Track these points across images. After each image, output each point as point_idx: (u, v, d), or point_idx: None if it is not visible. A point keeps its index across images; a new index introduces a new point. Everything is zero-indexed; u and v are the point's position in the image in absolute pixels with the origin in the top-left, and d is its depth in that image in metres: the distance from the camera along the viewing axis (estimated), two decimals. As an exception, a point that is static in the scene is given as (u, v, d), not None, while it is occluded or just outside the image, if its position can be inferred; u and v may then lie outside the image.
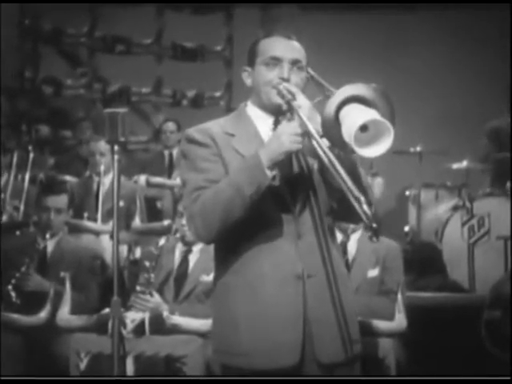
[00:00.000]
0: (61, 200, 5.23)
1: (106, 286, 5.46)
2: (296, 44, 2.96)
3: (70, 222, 5.59)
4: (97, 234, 6.09)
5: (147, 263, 4.55)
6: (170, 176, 7.50)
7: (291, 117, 2.81)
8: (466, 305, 5.76)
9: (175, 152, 7.73)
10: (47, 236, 5.14)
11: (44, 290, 4.68)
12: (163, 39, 9.73)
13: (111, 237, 6.18)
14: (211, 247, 3.01)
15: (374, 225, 2.56)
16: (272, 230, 2.84)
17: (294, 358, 2.81)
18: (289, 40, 2.96)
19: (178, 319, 4.10)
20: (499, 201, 6.54)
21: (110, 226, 6.15)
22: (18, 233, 5.85)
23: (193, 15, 9.56)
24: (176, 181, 6.85)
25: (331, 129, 2.64)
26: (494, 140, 7.01)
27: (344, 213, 2.83)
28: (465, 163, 6.95)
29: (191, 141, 2.91)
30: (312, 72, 3.05)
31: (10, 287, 4.82)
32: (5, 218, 6.32)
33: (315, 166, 2.89)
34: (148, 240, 5.83)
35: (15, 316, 4.50)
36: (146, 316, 4.09)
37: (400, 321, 4.13)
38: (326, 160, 2.65)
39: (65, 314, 4.18)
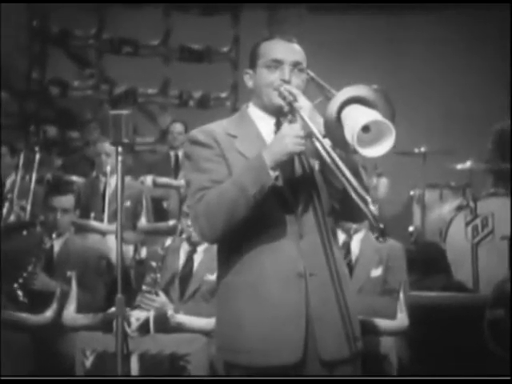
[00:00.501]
0: (67, 200, 5.27)
1: (111, 286, 5.51)
2: (296, 46, 3.01)
3: (76, 222, 5.63)
4: (103, 233, 6.12)
5: (153, 263, 4.58)
6: (176, 176, 7.54)
7: (292, 118, 2.85)
8: (469, 304, 5.76)
9: (181, 153, 7.78)
10: (54, 236, 5.18)
11: (50, 289, 4.72)
12: (170, 41, 9.77)
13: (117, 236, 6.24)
14: (215, 247, 3.05)
15: (381, 225, 2.60)
16: (274, 231, 2.88)
17: (296, 355, 2.85)
18: (289, 43, 3.01)
19: (183, 318, 4.13)
20: (503, 201, 6.53)
21: (114, 226, 6.21)
22: (24, 233, 5.90)
23: (200, 17, 9.60)
24: (182, 181, 6.90)
25: (333, 129, 2.68)
26: (499, 144, 7.02)
27: (346, 213, 2.90)
28: (468, 164, 6.96)
29: (195, 142, 2.96)
30: (312, 73, 3.10)
31: (16, 286, 4.86)
32: (12, 218, 6.37)
33: (317, 166, 2.93)
34: (154, 240, 5.88)
35: (22, 315, 4.53)
36: (151, 315, 4.12)
37: (402, 320, 4.17)
38: (329, 160, 2.69)
39: (71, 313, 4.22)
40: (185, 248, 4.74)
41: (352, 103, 2.70)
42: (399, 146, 7.27)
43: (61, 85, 9.41)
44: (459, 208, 6.82)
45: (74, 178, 7.41)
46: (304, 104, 2.83)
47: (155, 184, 7.15)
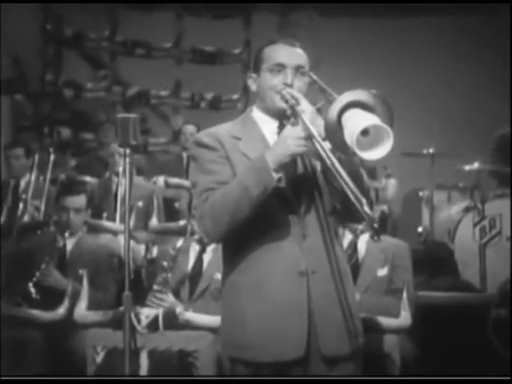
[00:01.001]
0: (79, 200, 5.33)
1: (123, 284, 5.61)
2: (299, 50, 3.07)
3: (88, 221, 5.70)
4: (115, 233, 6.18)
5: (165, 263, 4.65)
6: (187, 177, 7.61)
7: (295, 121, 2.91)
8: (476, 304, 5.79)
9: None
10: (66, 235, 5.25)
11: (63, 287, 4.79)
12: (182, 43, 9.83)
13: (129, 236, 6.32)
14: (223, 247, 3.13)
15: (376, 225, 2.68)
16: (278, 231, 2.95)
17: (299, 351, 2.91)
18: (292, 47, 3.07)
19: (191, 315, 4.17)
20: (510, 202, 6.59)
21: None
22: (39, 232, 6.01)
23: (211, 20, 9.66)
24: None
25: (334, 132, 2.75)
26: (501, 149, 7.07)
27: (347, 213, 2.94)
28: (476, 165, 7.00)
29: (200, 144, 3.03)
30: (314, 77, 3.17)
31: (30, 284, 4.94)
32: (26, 217, 6.45)
33: (319, 167, 2.99)
34: (165, 240, 5.95)
35: (35, 312, 4.62)
36: (160, 312, 4.16)
37: (405, 318, 4.19)
38: (328, 162, 2.76)
39: (82, 310, 4.26)
40: (194, 248, 4.80)
41: (352, 107, 2.76)
42: (408, 147, 7.37)
43: (74, 87, 9.49)
44: (467, 209, 6.82)
45: (88, 178, 7.47)
46: (306, 107, 2.89)
47: (167, 184, 7.20)
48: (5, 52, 8.73)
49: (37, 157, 7.10)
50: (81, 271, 4.81)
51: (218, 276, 4.49)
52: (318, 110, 2.91)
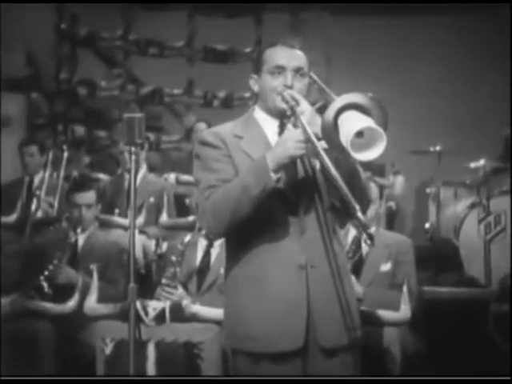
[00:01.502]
0: (89, 196, 5.41)
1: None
2: (299, 52, 3.15)
3: (100, 217, 5.80)
4: (125, 229, 6.28)
5: (173, 258, 4.70)
6: (198, 174, 7.68)
7: (295, 121, 3.01)
8: (480, 299, 5.88)
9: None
10: (78, 231, 5.34)
11: (74, 281, 4.88)
12: (195, 42, 9.86)
13: (140, 232, 6.42)
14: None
15: (369, 231, 2.79)
16: (278, 228, 3.05)
17: (298, 342, 3.01)
18: (292, 49, 3.15)
19: (197, 308, 4.25)
20: (516, 199, 6.64)
21: (138, 221, 6.40)
22: (52, 228, 6.13)
23: (223, 19, 9.70)
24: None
25: (330, 133, 2.83)
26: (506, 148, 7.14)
27: (345, 210, 2.98)
28: (482, 162, 7.08)
29: (204, 143, 3.13)
30: (315, 77, 3.28)
31: (42, 278, 5.02)
32: (39, 214, 6.53)
33: (318, 166, 3.09)
34: (176, 235, 6.04)
35: (46, 305, 4.74)
36: (167, 305, 4.25)
37: (405, 312, 4.28)
38: (324, 165, 2.86)
39: (92, 303, 4.36)
40: (202, 243, 4.88)
41: (349, 109, 2.85)
42: (416, 144, 7.46)
43: (89, 85, 9.54)
44: (472, 205, 6.91)
45: (101, 175, 7.58)
46: (305, 108, 2.98)
47: (178, 181, 7.30)
48: (20, 51, 8.84)
49: (51, 154, 7.19)
50: (91, 266, 4.91)
51: (225, 270, 4.62)
52: (318, 110, 2.99)
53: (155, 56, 9.80)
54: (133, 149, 3.21)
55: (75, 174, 7.50)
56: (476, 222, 6.67)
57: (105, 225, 5.96)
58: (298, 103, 3.01)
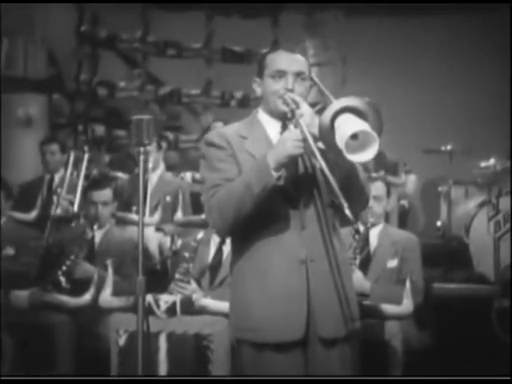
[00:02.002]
0: (106, 194, 5.56)
1: (149, 274, 5.85)
2: (299, 57, 3.28)
3: (116, 214, 5.95)
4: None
5: (186, 254, 4.82)
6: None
7: (296, 122, 3.12)
8: (489, 296, 5.95)
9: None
10: (95, 227, 5.48)
11: (90, 276, 5.00)
12: (212, 43, 10.00)
13: (157, 229, 6.59)
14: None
15: (356, 225, 2.94)
16: (280, 223, 3.18)
17: (299, 332, 3.14)
18: (292, 54, 3.27)
19: (206, 301, 4.36)
20: (526, 197, 6.68)
21: (154, 219, 6.56)
22: (72, 225, 6.31)
23: (241, 20, 9.82)
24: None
25: (327, 135, 2.97)
26: None
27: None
28: (492, 161, 7.15)
29: (210, 144, 3.28)
30: (317, 80, 3.43)
31: (60, 273, 5.17)
32: (58, 211, 6.66)
33: (318, 164, 3.17)
34: (190, 232, 6.17)
35: (63, 297, 4.87)
36: (178, 298, 4.36)
37: (407, 306, 4.38)
38: (318, 164, 3.01)
39: (107, 296, 4.48)
40: (215, 240, 4.98)
41: (345, 112, 2.98)
42: (427, 144, 7.56)
43: (108, 86, 9.71)
44: (482, 204, 6.99)
45: (119, 174, 7.70)
46: (305, 110, 3.11)
47: (194, 180, 7.41)
48: (42, 52, 9.00)
49: (72, 153, 7.32)
50: (107, 261, 4.95)
51: (237, 266, 4.74)
52: (318, 112, 3.09)
53: (174, 57, 9.95)
54: (141, 149, 3.31)
55: (95, 172, 7.62)
56: (486, 220, 6.74)
57: (121, 222, 6.10)
58: (298, 106, 3.13)
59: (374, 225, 5.07)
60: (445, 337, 5.39)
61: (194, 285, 4.72)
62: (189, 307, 4.36)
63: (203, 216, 6.03)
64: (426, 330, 5.12)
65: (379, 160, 8.04)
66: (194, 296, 4.42)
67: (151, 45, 9.96)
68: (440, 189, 7.78)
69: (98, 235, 5.55)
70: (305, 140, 3.01)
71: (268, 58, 3.31)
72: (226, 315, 4.16)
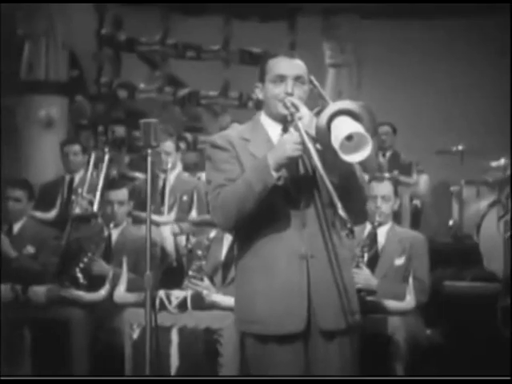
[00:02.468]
0: (122, 193, 5.70)
1: (165, 271, 6.01)
2: (298, 62, 3.40)
3: (133, 213, 6.09)
4: (157, 224, 6.52)
5: (199, 252, 4.96)
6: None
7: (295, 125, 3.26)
8: (497, 294, 6.04)
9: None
10: (111, 225, 5.62)
11: (106, 272, 5.16)
12: (230, 45, 10.11)
13: (173, 227, 6.73)
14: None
15: (349, 225, 3.08)
16: (282, 221, 3.32)
17: (300, 325, 3.27)
18: (292, 59, 3.40)
19: (216, 297, 4.49)
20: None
21: (170, 217, 6.69)
22: (91, 223, 6.46)
23: (258, 23, 9.95)
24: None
25: (324, 136, 3.11)
26: None
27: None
28: (503, 161, 7.23)
29: (214, 146, 3.43)
30: (316, 83, 3.56)
31: (77, 270, 5.31)
32: (77, 210, 6.77)
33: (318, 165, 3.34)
34: (205, 231, 6.31)
35: (79, 293, 5.05)
36: (189, 294, 4.49)
37: (409, 301, 4.51)
38: (314, 163, 3.14)
39: (121, 292, 4.63)
40: (227, 238, 5.07)
41: (341, 115, 3.12)
42: (439, 144, 7.65)
43: (128, 88, 9.86)
44: (493, 204, 7.08)
45: (138, 174, 7.82)
46: (304, 113, 3.24)
47: (210, 180, 7.53)
48: (64, 55, 9.16)
49: (93, 154, 7.44)
50: (123, 258, 5.07)
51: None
52: (317, 114, 3.22)
53: (192, 59, 10.07)
54: (149, 151, 3.46)
55: (114, 173, 7.77)
56: (495, 220, 6.82)
57: (137, 221, 6.23)
58: (297, 109, 3.27)
59: (382, 224, 5.19)
60: (452, 334, 5.44)
61: (207, 282, 4.85)
62: (199, 303, 4.48)
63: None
64: (434, 326, 5.19)
65: (393, 160, 8.18)
66: (205, 292, 4.55)
67: (170, 47, 10.09)
68: (452, 189, 7.86)
69: (115, 233, 5.69)
70: (303, 142, 3.14)
71: (269, 64, 3.43)
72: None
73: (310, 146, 3.12)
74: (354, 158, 3.07)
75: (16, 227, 5.87)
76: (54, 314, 5.08)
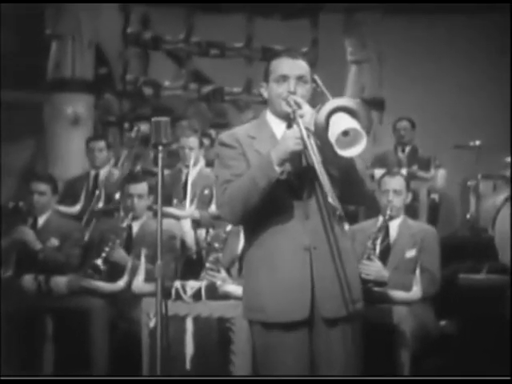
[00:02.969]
0: (141, 187, 5.83)
1: (186, 263, 6.17)
2: (301, 62, 3.54)
3: (153, 207, 6.19)
4: (177, 218, 6.68)
5: (216, 244, 5.14)
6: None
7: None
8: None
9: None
10: (129, 217, 5.74)
11: (125, 262, 5.32)
12: (253, 43, 10.23)
13: (193, 221, 6.90)
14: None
15: (339, 212, 3.22)
16: (285, 214, 3.45)
17: (303, 313, 3.40)
18: (294, 59, 3.54)
19: (229, 287, 4.66)
20: (550, 191, 6.80)
21: (190, 211, 6.85)
22: (114, 216, 6.63)
23: (281, 21, 10.05)
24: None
25: (322, 132, 3.24)
26: None
27: (346, 198, 3.42)
28: (517, 157, 7.32)
29: (222, 144, 3.56)
30: (319, 81, 3.72)
31: (100, 260, 5.39)
32: (100, 204, 7.01)
33: (320, 159, 3.43)
34: (225, 224, 6.47)
35: (99, 283, 5.25)
36: (203, 284, 4.67)
37: (415, 292, 4.68)
38: (311, 158, 3.29)
39: (139, 282, 4.86)
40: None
41: (339, 111, 3.25)
42: (456, 139, 7.74)
43: (154, 85, 10.02)
44: (508, 198, 7.16)
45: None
46: (306, 111, 3.37)
47: (230, 174, 7.66)
48: (91, 53, 9.35)
49: (120, 150, 7.68)
50: (142, 250, 5.29)
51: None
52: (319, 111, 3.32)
53: (216, 57, 10.22)
54: (160, 148, 3.58)
55: (138, 168, 7.92)
56: (510, 214, 6.90)
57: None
58: (299, 107, 3.40)
59: (394, 217, 5.30)
60: (466, 325, 5.54)
61: (223, 273, 4.98)
62: (213, 293, 4.65)
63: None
64: (449, 318, 5.31)
65: (412, 156, 8.27)
66: (218, 283, 4.71)
67: (195, 45, 10.23)
68: (469, 183, 7.92)
69: (136, 226, 5.82)
70: (303, 137, 3.28)
71: (272, 64, 3.57)
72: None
73: (307, 141, 3.25)
74: (350, 153, 3.20)
75: (41, 220, 6.03)
76: (75, 303, 5.27)
